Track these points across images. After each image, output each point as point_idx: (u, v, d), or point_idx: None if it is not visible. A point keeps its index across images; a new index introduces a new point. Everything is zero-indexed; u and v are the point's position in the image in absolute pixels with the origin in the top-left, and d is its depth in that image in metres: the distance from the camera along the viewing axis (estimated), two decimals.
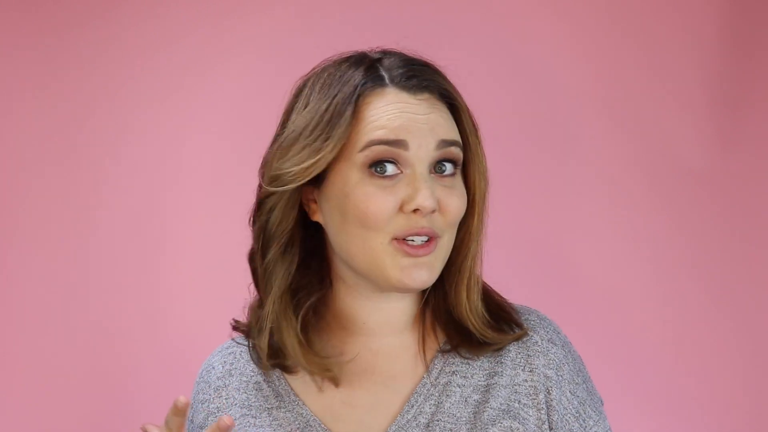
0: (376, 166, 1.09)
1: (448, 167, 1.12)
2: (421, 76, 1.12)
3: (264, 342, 1.16)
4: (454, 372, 1.16)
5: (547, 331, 1.18)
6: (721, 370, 1.74)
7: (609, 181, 1.76)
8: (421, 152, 1.10)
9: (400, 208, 1.09)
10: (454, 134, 1.12)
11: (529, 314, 1.20)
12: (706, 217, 1.75)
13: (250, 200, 1.17)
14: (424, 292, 1.18)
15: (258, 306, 1.18)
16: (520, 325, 1.17)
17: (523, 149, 1.76)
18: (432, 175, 1.11)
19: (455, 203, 1.11)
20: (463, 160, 1.14)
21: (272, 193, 1.12)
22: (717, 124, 1.75)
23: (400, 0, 1.77)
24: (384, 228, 1.09)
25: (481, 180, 1.15)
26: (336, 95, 1.11)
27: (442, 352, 1.16)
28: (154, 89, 1.78)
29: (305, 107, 1.13)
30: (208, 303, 1.72)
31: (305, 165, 1.10)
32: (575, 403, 1.16)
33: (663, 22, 1.76)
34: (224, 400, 1.19)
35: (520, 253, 1.75)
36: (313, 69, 1.16)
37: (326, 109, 1.10)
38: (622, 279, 1.76)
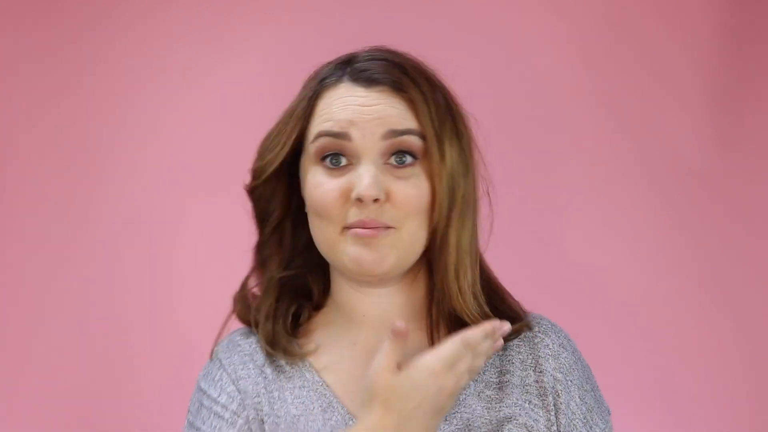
0: (331, 158, 1.12)
1: (408, 158, 1.12)
2: (374, 70, 1.13)
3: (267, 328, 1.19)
4: None
5: (559, 337, 1.19)
6: (721, 370, 1.74)
7: (609, 181, 1.76)
8: (366, 142, 1.11)
9: (348, 198, 1.11)
10: (408, 124, 1.12)
11: (541, 320, 1.21)
12: (706, 217, 1.75)
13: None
14: (421, 285, 1.18)
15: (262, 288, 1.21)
16: (521, 321, 1.17)
17: (523, 149, 1.76)
18: (387, 165, 1.12)
19: (405, 193, 1.11)
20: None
21: (254, 186, 1.18)
22: (717, 124, 1.75)
23: (400, 0, 1.77)
24: (335, 217, 1.11)
25: (442, 171, 1.12)
26: (304, 93, 1.16)
27: None
28: (154, 89, 1.78)
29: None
30: (210, 303, 1.72)
31: (263, 162, 1.16)
32: (583, 409, 1.17)
33: (662, 22, 1.76)
34: (251, 370, 1.18)
35: (519, 253, 1.74)
36: None
37: (291, 107, 1.17)
38: (622, 279, 1.76)
